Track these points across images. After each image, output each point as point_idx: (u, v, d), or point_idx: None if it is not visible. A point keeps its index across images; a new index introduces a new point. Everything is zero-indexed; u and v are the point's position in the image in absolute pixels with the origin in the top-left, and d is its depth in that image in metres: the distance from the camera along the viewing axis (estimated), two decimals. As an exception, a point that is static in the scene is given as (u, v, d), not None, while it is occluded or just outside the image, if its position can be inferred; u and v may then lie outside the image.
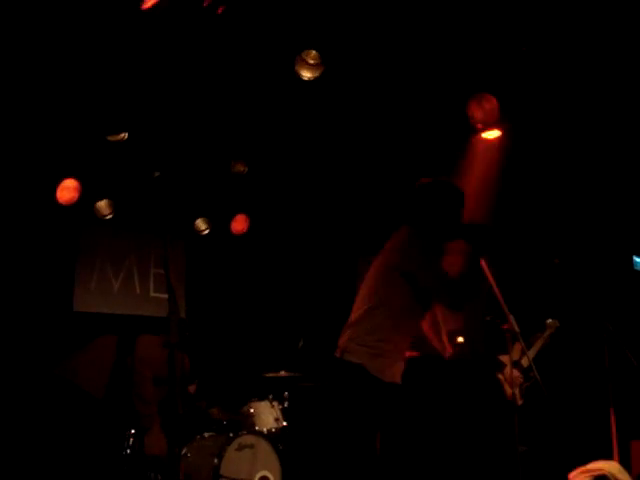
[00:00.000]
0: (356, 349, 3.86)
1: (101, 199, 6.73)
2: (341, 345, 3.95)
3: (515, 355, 5.25)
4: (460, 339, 6.99)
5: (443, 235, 4.08)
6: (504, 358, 5.24)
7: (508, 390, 5.46)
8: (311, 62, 5.37)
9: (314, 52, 5.30)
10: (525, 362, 5.44)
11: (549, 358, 5.82)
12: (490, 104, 5.62)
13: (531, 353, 5.53)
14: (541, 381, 4.31)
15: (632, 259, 6.94)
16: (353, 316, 4.00)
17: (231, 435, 5.20)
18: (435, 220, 4.07)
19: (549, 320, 5.97)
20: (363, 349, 3.84)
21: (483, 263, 4.02)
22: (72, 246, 6.75)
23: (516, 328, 4.20)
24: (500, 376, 5.52)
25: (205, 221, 7.37)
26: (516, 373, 5.21)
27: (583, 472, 4.24)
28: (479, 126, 5.84)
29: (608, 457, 4.49)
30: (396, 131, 6.28)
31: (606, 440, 4.80)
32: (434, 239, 4.04)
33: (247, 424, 5.60)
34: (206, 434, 5.36)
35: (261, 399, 5.80)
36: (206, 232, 7.38)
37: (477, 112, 5.67)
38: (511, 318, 4.17)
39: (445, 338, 5.30)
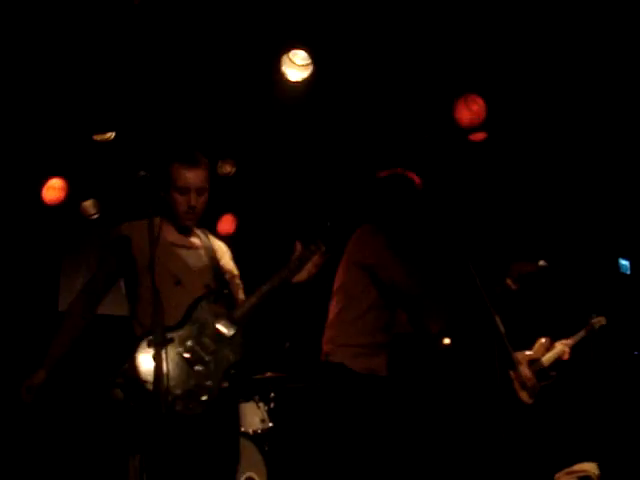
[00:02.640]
0: (336, 350, 3.87)
1: (87, 199, 6.70)
2: (324, 348, 3.97)
3: (537, 353, 5.01)
4: (447, 341, 7.00)
5: (402, 229, 4.01)
6: (520, 355, 4.95)
7: (518, 389, 5.25)
8: (299, 63, 5.35)
9: (302, 53, 5.30)
10: (547, 361, 5.16)
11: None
12: (477, 105, 5.62)
13: (570, 341, 5.27)
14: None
15: (618, 262, 6.98)
16: (329, 317, 4.01)
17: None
18: (392, 214, 4.02)
19: (594, 318, 5.64)
20: (342, 349, 3.85)
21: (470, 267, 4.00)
22: (58, 246, 6.70)
23: (501, 329, 4.18)
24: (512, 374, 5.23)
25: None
26: (528, 373, 4.92)
27: (568, 473, 4.27)
28: (465, 127, 5.83)
29: (594, 459, 4.51)
30: (383, 131, 6.28)
31: (592, 441, 4.81)
32: (394, 234, 3.98)
33: (233, 425, 5.57)
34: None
35: (247, 400, 5.78)
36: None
37: (464, 113, 5.67)
38: (497, 319, 4.16)
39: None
